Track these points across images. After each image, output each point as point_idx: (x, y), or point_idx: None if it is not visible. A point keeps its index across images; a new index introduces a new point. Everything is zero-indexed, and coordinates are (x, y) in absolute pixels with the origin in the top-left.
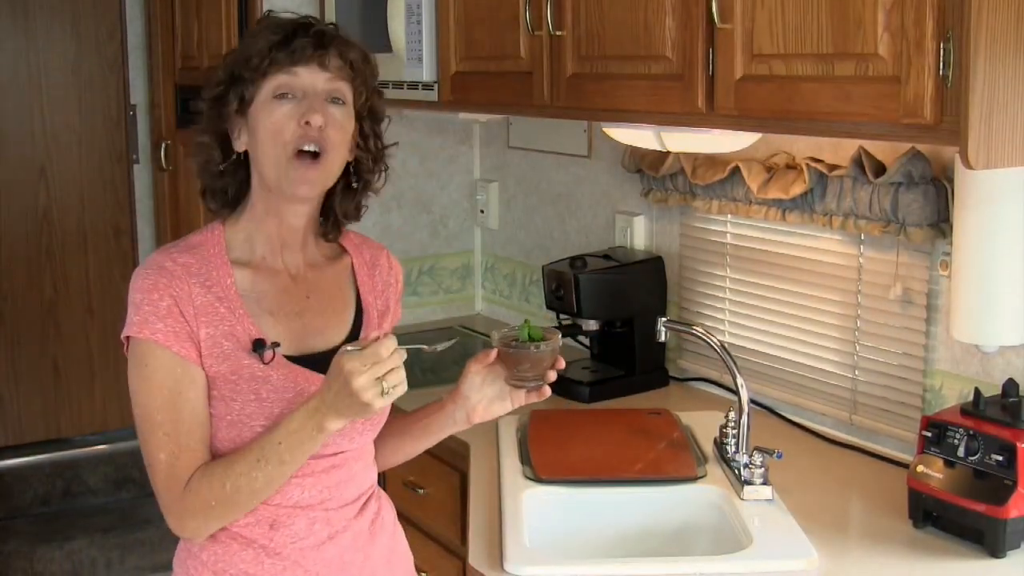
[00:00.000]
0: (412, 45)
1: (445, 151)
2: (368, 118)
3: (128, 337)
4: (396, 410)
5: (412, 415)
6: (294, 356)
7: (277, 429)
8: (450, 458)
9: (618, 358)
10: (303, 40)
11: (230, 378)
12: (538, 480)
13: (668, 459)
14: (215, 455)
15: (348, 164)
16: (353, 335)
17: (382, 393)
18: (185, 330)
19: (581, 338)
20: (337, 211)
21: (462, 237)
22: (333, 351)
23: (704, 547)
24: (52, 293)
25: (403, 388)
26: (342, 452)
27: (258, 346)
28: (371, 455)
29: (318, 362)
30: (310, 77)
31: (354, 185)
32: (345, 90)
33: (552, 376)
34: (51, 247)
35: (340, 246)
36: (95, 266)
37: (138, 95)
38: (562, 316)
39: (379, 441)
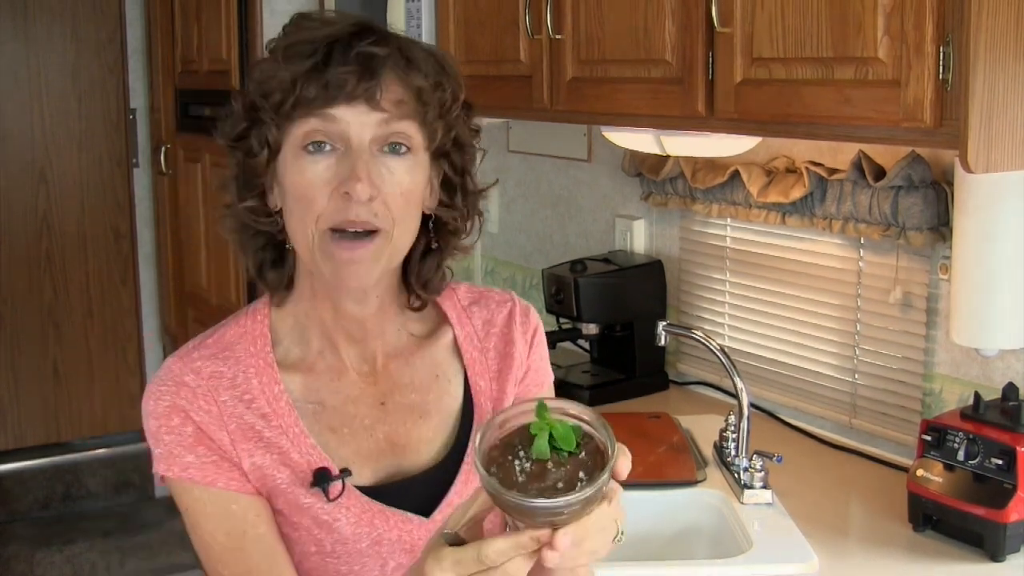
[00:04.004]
0: None
1: None
2: (451, 155)
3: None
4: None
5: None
6: (369, 486)
7: None
8: None
9: (618, 362)
10: (342, 69)
11: (289, 519)
12: None
13: (668, 463)
14: None
15: (425, 217)
16: (459, 444)
17: None
18: (225, 456)
19: (581, 342)
20: (413, 281)
21: None
22: (425, 474)
23: (704, 551)
24: (52, 297)
25: None
26: None
27: (322, 478)
28: None
29: (404, 493)
30: (354, 121)
31: (434, 247)
32: (410, 131)
33: (561, 542)
34: (51, 251)
35: (441, 313)
36: (95, 270)
37: (138, 99)
38: (562, 320)
39: None
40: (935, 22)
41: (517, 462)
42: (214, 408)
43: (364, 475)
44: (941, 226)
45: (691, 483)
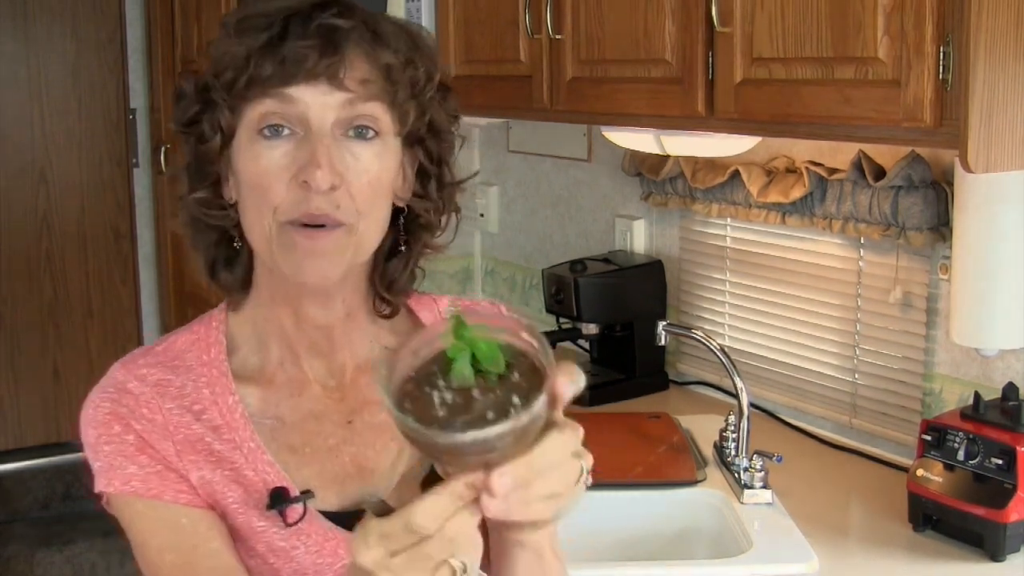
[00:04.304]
0: None
1: None
2: (426, 142)
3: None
4: None
5: None
6: (333, 512)
7: None
8: None
9: (618, 362)
10: (301, 43)
11: (240, 545)
12: None
13: (668, 462)
14: None
15: (396, 211)
16: (435, 469)
17: None
18: (171, 467)
19: (581, 342)
20: (377, 281)
21: (462, 241)
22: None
23: (704, 551)
24: (52, 296)
25: (473, 566)
26: None
27: (278, 499)
28: None
29: None
30: (314, 101)
31: (402, 248)
32: (377, 113)
33: (499, 483)
34: (51, 251)
35: (420, 326)
36: (95, 269)
37: (138, 99)
38: (562, 320)
39: None
40: (935, 22)
41: (436, 393)
42: (158, 417)
43: (328, 499)
44: (941, 226)
45: (691, 483)
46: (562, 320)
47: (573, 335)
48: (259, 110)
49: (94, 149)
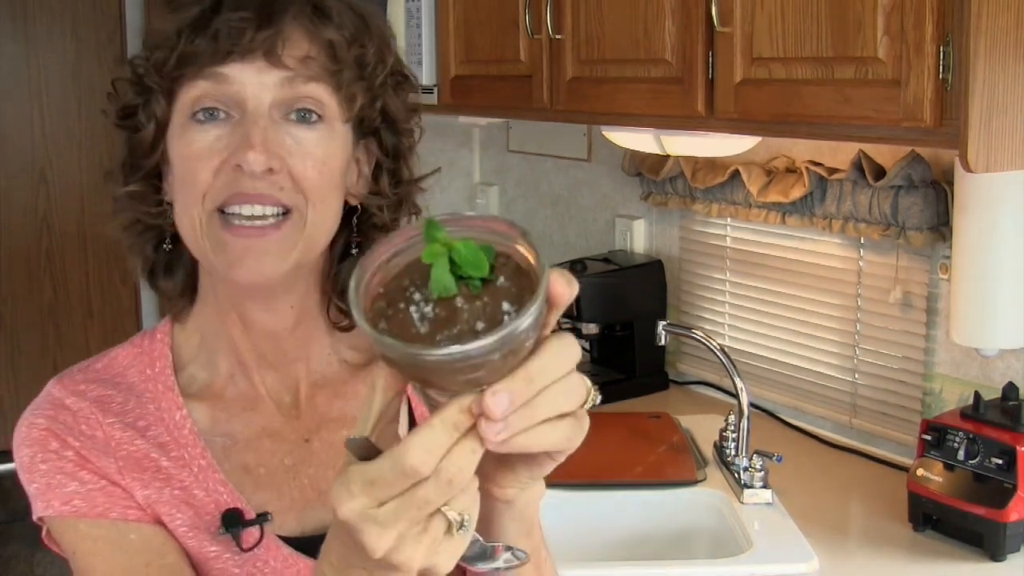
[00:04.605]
0: (412, 48)
1: (445, 155)
2: (380, 132)
3: (41, 518)
4: None
5: None
6: (293, 537)
7: None
8: None
9: (618, 361)
10: (234, 16)
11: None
12: None
13: (668, 462)
14: None
15: (350, 209)
16: None
17: (430, 544)
18: (115, 483)
19: (581, 342)
20: (329, 288)
21: None
22: None
23: (704, 551)
24: (52, 296)
25: (471, 519)
26: None
27: (232, 521)
28: None
29: None
30: (250, 80)
31: (353, 251)
32: (320, 95)
33: (495, 403)
34: (51, 250)
35: None
36: (95, 270)
37: None
38: (562, 320)
39: None
40: (935, 22)
41: (413, 308)
42: (99, 433)
43: (287, 524)
44: (941, 226)
45: (691, 483)
46: (562, 320)
47: (573, 335)
48: (192, 93)
49: (94, 149)
